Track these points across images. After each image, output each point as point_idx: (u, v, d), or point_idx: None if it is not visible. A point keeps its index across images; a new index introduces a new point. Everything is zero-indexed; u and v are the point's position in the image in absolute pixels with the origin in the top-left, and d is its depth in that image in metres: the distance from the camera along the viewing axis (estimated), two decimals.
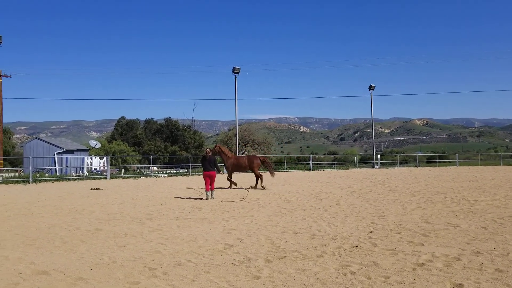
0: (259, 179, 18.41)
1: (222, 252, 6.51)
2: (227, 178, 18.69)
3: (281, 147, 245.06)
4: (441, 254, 6.15)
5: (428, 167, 41.38)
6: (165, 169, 42.62)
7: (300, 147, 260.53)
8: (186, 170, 35.75)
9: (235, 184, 18.63)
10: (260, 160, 19.07)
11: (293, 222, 9.25)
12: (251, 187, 18.14)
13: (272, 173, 19.22)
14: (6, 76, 33.22)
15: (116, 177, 28.25)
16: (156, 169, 41.69)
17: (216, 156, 18.19)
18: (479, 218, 9.41)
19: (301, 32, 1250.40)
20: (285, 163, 42.56)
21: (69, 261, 6.11)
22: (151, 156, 36.61)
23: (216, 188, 16.97)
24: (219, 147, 19.06)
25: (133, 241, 7.42)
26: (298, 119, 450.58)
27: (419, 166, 43.86)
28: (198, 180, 23.05)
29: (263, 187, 17.87)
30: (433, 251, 6.37)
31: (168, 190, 17.72)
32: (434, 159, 52.66)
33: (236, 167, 18.92)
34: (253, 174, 19.51)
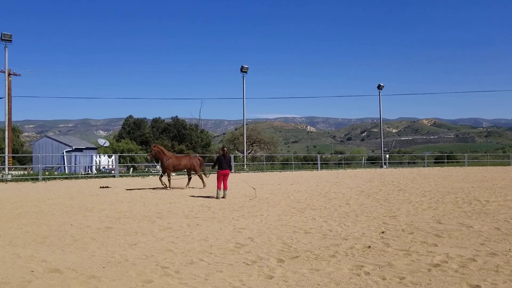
0: (190, 180, 18.70)
1: (233, 251, 6.48)
2: (167, 178, 18.05)
3: (288, 147, 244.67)
4: (456, 255, 6.07)
5: (437, 167, 41.12)
6: None
7: (307, 146, 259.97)
8: None
9: (168, 186, 18.00)
10: (198, 159, 19.11)
11: (303, 221, 9.20)
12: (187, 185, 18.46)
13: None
14: (16, 75, 33.33)
15: (125, 176, 28.36)
16: None
17: (155, 155, 18.16)
18: (491, 218, 9.31)
19: (308, 32, 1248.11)
20: (293, 162, 42.52)
21: (81, 259, 6.11)
22: None
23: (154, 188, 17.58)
24: (158, 147, 18.50)
25: (144, 240, 7.41)
26: (305, 119, 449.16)
27: (427, 166, 43.56)
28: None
29: (186, 187, 18.14)
30: (447, 251, 6.29)
31: (176, 189, 17.71)
32: (442, 159, 52.29)
33: (177, 166, 18.59)
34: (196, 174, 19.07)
